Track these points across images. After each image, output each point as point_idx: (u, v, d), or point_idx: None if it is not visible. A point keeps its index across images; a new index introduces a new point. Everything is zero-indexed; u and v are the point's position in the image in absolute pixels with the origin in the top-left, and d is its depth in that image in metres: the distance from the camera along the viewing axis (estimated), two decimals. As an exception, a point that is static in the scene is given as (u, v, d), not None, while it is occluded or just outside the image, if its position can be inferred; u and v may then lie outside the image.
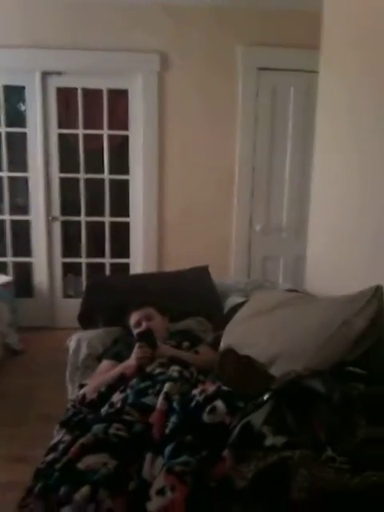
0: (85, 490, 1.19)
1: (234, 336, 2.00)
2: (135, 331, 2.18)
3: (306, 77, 3.55)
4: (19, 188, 4.25)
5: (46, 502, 1.23)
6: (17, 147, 4.10)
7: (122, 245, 4.29)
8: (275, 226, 4.12)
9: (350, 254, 2.21)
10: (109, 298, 2.58)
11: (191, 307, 2.55)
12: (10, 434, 2.52)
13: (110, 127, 4.10)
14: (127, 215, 4.21)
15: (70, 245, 4.30)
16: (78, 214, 4.21)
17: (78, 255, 4.29)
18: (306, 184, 3.60)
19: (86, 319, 2.56)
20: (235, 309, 2.30)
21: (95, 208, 4.23)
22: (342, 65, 2.36)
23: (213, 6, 3.77)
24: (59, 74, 3.96)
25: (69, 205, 4.22)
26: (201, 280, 2.78)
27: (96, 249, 4.32)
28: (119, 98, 4.07)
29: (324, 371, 1.41)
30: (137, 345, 1.92)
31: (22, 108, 4.08)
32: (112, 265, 4.33)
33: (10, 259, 4.25)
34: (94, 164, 4.17)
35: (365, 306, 1.64)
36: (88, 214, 4.23)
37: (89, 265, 4.32)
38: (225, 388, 1.55)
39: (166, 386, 1.60)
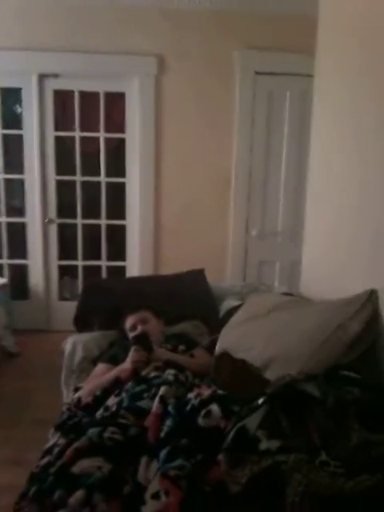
0: (79, 494, 1.19)
1: (229, 340, 2.01)
2: (131, 335, 2.18)
3: (303, 81, 3.56)
4: (15, 190, 4.25)
5: (40, 506, 1.23)
6: (13, 149, 4.10)
7: (118, 247, 4.29)
8: (271, 231, 4.13)
9: (348, 257, 2.21)
10: (105, 300, 2.58)
11: (187, 310, 2.55)
12: (4, 437, 2.51)
13: (107, 130, 4.10)
14: (123, 218, 4.21)
15: (66, 247, 4.30)
16: (75, 216, 4.20)
17: (75, 258, 4.29)
18: (301, 188, 3.60)
19: (82, 322, 2.55)
20: (231, 312, 2.30)
21: (91, 210, 4.23)
22: (339, 66, 2.36)
23: (210, 10, 3.78)
24: (56, 76, 3.96)
25: (65, 207, 4.22)
26: (197, 283, 2.78)
27: (92, 251, 4.32)
28: (116, 100, 4.07)
29: (318, 375, 1.41)
30: (132, 348, 1.92)
31: (19, 110, 4.08)
32: (108, 267, 4.32)
33: (5, 261, 4.24)
34: (91, 166, 4.17)
35: (360, 310, 1.65)
36: (84, 216, 4.22)
37: (85, 267, 4.32)
38: (220, 392, 1.56)
39: (162, 390, 1.60)
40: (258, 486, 1.12)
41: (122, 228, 4.24)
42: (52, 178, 4.11)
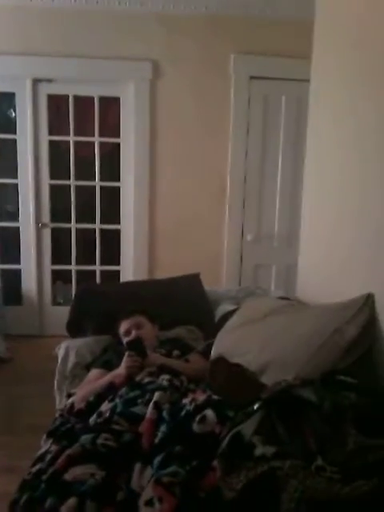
0: (71, 501, 1.17)
1: (225, 344, 1.99)
2: (125, 340, 2.16)
3: (298, 86, 3.56)
4: (9, 194, 4.23)
5: (31, 514, 1.21)
6: (6, 154, 4.08)
7: (112, 252, 4.27)
8: (267, 235, 4.13)
9: (345, 262, 2.20)
10: (98, 305, 2.56)
11: (182, 315, 2.53)
12: (-4, 444, 2.48)
13: (102, 134, 4.09)
14: (118, 222, 4.20)
15: (59, 252, 4.28)
16: (69, 220, 4.19)
17: (68, 262, 4.27)
18: (297, 192, 3.61)
19: (75, 327, 2.53)
20: (226, 317, 2.29)
21: (86, 215, 4.22)
22: (336, 67, 2.36)
23: (205, 15, 3.79)
24: (50, 81, 3.95)
25: (59, 212, 4.21)
26: (192, 288, 2.77)
27: (86, 256, 4.30)
28: (111, 105, 4.07)
29: (315, 380, 1.40)
30: (126, 353, 1.90)
31: (13, 114, 4.07)
32: (102, 272, 4.31)
33: (-2, 266, 4.22)
34: (85, 171, 4.16)
35: (356, 314, 1.64)
36: (78, 220, 4.21)
37: (79, 272, 4.30)
38: (215, 397, 1.54)
39: (156, 395, 1.59)
40: (253, 492, 1.11)
41: (117, 232, 4.22)
42: (46, 182, 4.09)
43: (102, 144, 4.12)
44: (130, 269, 4.18)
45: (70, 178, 4.12)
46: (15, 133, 4.02)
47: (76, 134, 4.08)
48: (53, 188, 4.13)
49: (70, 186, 4.13)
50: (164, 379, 1.74)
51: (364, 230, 2.05)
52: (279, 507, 1.05)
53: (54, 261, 4.25)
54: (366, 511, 1.04)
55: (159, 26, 3.81)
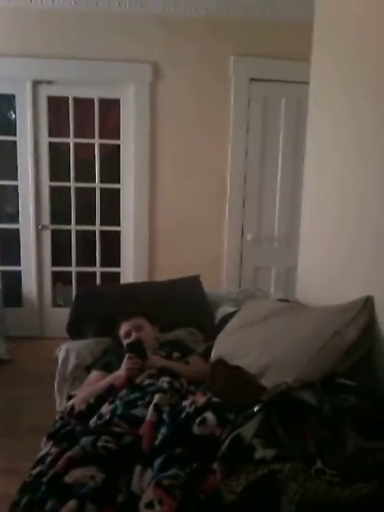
0: (72, 504, 1.17)
1: (224, 346, 1.99)
2: (125, 342, 2.16)
3: (298, 88, 3.56)
4: (9, 196, 4.23)
5: (32, 516, 1.21)
6: (6, 155, 4.08)
7: (112, 254, 4.28)
8: (267, 236, 4.13)
9: (345, 264, 2.20)
10: (98, 307, 2.56)
11: (182, 317, 2.53)
12: (-3, 446, 2.48)
13: (102, 136, 4.10)
14: (118, 224, 4.20)
15: (59, 253, 4.28)
16: (69, 222, 4.19)
17: (68, 264, 4.27)
18: (297, 194, 3.61)
19: (75, 329, 2.53)
20: (226, 319, 2.29)
21: (86, 217, 4.22)
22: (336, 69, 2.36)
23: (205, 18, 3.80)
24: (50, 82, 3.96)
25: (59, 213, 4.21)
26: (192, 290, 2.77)
27: (86, 257, 4.30)
28: (111, 107, 4.08)
29: (315, 383, 1.40)
30: (126, 355, 1.90)
31: (13, 116, 4.07)
32: (102, 274, 4.31)
33: (-2, 268, 4.22)
34: (85, 173, 4.16)
35: (356, 316, 1.65)
36: (78, 222, 4.21)
37: (79, 274, 4.30)
38: (215, 399, 1.54)
39: (156, 398, 1.59)
40: (253, 495, 1.11)
41: (117, 234, 4.22)
42: (46, 184, 4.10)
43: (102, 146, 4.12)
44: (130, 270, 4.18)
45: (70, 180, 4.13)
46: (15, 134, 4.02)
47: (76, 135, 4.08)
48: (53, 190, 4.14)
49: (70, 187, 4.14)
50: (164, 381, 1.74)
51: (364, 232, 2.05)
52: (279, 510, 1.05)
53: (54, 262, 4.25)
54: (365, 514, 1.04)
55: (159, 28, 3.81)
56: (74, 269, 4.28)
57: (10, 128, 4.05)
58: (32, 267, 4.17)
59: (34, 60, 3.83)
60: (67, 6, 3.75)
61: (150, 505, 1.16)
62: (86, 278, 4.28)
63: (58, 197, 4.18)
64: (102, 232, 4.24)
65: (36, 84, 3.93)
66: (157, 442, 1.40)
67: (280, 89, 3.93)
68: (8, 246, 4.23)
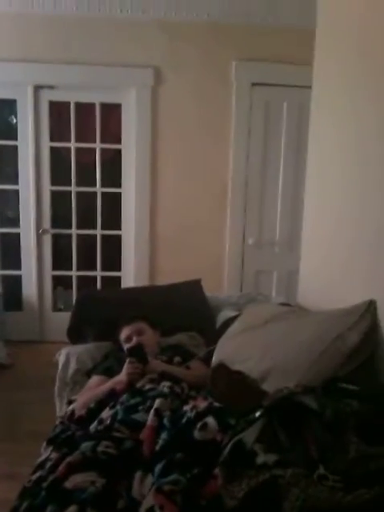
0: (72, 509, 1.16)
1: (226, 351, 1.98)
2: (126, 346, 2.15)
3: (300, 92, 3.58)
4: (10, 201, 4.24)
5: (31, 522, 1.20)
6: (8, 160, 4.09)
7: (113, 258, 4.27)
8: (268, 240, 4.13)
9: (346, 268, 2.20)
10: (99, 311, 2.55)
11: (183, 321, 2.53)
12: (-3, 451, 2.47)
13: (103, 141, 4.10)
14: (119, 228, 4.20)
15: (60, 258, 4.28)
16: (69, 226, 4.19)
17: (69, 268, 4.27)
18: (298, 198, 3.62)
19: (76, 333, 2.52)
20: (228, 323, 2.28)
21: (87, 221, 4.22)
22: (338, 72, 2.36)
23: (207, 22, 3.81)
24: (52, 87, 3.97)
25: (60, 218, 4.21)
26: (193, 294, 2.76)
27: (87, 262, 4.30)
28: (112, 111, 4.08)
29: (316, 387, 1.39)
30: (127, 360, 1.90)
31: (14, 121, 4.08)
32: (103, 278, 4.30)
33: (-1, 272, 4.22)
34: (86, 177, 4.17)
35: (358, 320, 1.64)
36: (79, 226, 4.21)
37: (79, 278, 4.30)
38: (216, 404, 1.53)
39: (157, 402, 1.58)
40: (255, 500, 1.10)
41: (118, 238, 4.22)
42: (47, 188, 4.10)
43: (103, 150, 4.13)
44: (130, 275, 4.17)
45: (71, 184, 4.13)
46: (16, 139, 4.03)
47: (77, 140, 4.08)
48: (54, 194, 4.14)
49: (71, 192, 4.14)
50: (165, 386, 1.73)
51: (364, 232, 2.05)
52: (281, 516, 1.04)
53: (55, 266, 4.24)
54: (368, 520, 1.03)
55: (161, 33, 3.82)
56: (74, 273, 4.27)
57: (12, 133, 4.06)
58: (32, 271, 4.17)
59: (36, 65, 3.84)
60: (69, 12, 3.77)
61: (150, 510, 1.15)
62: (86, 283, 4.28)
63: (59, 201, 4.18)
64: (102, 236, 4.23)
65: (37, 89, 3.94)
66: (157, 447, 1.39)
67: (282, 93, 3.93)
68: (9, 250, 4.23)
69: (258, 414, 1.27)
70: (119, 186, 4.14)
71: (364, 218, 2.06)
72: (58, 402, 2.23)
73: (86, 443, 1.41)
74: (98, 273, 4.29)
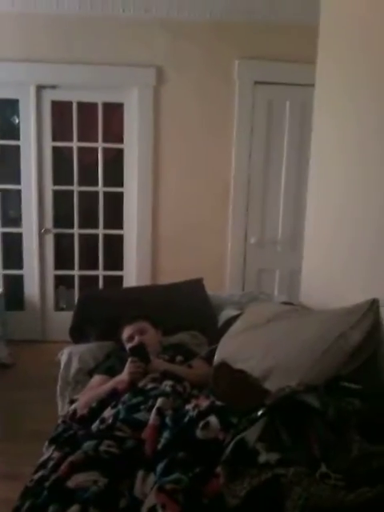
0: (74, 509, 1.16)
1: (228, 350, 1.98)
2: (128, 346, 2.15)
3: (303, 91, 3.57)
4: (12, 200, 4.24)
5: (33, 521, 1.20)
6: (10, 160, 4.10)
7: (115, 257, 4.28)
8: (270, 239, 4.12)
9: (348, 266, 2.20)
10: (101, 311, 2.55)
11: (185, 320, 2.52)
12: (-1, 450, 2.48)
13: (105, 140, 4.10)
14: (121, 228, 4.20)
15: (62, 257, 4.28)
16: (72, 226, 4.19)
17: (71, 268, 4.27)
18: (301, 197, 3.61)
19: (78, 333, 2.52)
20: (230, 322, 2.28)
21: (89, 220, 4.22)
22: (341, 71, 2.36)
23: (209, 21, 3.80)
24: (54, 87, 3.97)
25: (62, 217, 4.21)
26: (195, 293, 2.76)
27: (89, 261, 4.30)
28: (114, 111, 4.08)
29: (319, 386, 1.39)
30: (129, 359, 1.90)
31: (16, 121, 4.08)
32: (105, 277, 4.30)
33: (0, 271, 4.21)
34: (89, 177, 4.17)
35: (361, 319, 1.63)
36: (81, 226, 4.21)
37: (81, 277, 4.30)
38: (218, 403, 1.53)
39: (159, 401, 1.58)
40: (257, 499, 1.10)
41: (120, 238, 4.22)
42: (49, 188, 4.10)
43: (105, 150, 4.13)
44: (133, 274, 4.17)
45: (73, 184, 4.13)
46: (19, 139, 4.03)
47: (79, 139, 4.08)
48: (56, 194, 4.14)
49: (73, 191, 4.14)
50: (167, 385, 1.73)
51: (365, 235, 2.05)
52: (283, 515, 1.03)
53: (57, 266, 4.25)
54: (370, 519, 1.03)
55: (163, 32, 3.82)
56: (76, 272, 4.28)
57: (14, 132, 4.06)
58: (35, 271, 4.17)
59: (38, 65, 3.84)
60: (71, 11, 3.77)
61: (152, 509, 1.15)
62: (88, 282, 4.28)
63: (61, 201, 4.19)
64: (105, 236, 4.24)
65: (40, 88, 3.94)
66: (159, 446, 1.39)
67: (284, 91, 3.92)
68: (11, 249, 4.23)
69: (260, 412, 1.27)
70: (121, 185, 4.14)
71: (365, 217, 2.06)
72: (59, 402, 2.23)
73: (88, 442, 1.41)
74: (100, 272, 4.29)
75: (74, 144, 4.08)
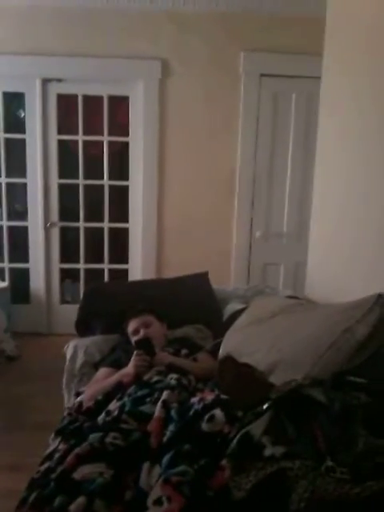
0: (80, 500, 1.17)
1: (233, 343, 1.98)
2: (133, 339, 2.15)
3: (309, 83, 3.55)
4: (18, 194, 4.25)
5: (40, 512, 1.21)
6: (15, 153, 4.10)
7: (120, 251, 4.28)
8: (276, 232, 4.11)
9: (352, 260, 2.20)
10: (107, 304, 2.56)
11: (190, 314, 2.52)
12: (4, 442, 2.49)
13: (111, 133, 4.10)
14: (126, 221, 4.20)
15: (68, 250, 4.29)
16: (77, 219, 4.20)
17: (77, 261, 4.28)
18: (306, 190, 3.60)
19: (84, 326, 2.53)
20: (235, 316, 2.28)
21: (94, 214, 4.22)
22: (346, 67, 2.35)
23: (215, 13, 3.78)
24: (59, 80, 3.96)
25: (68, 210, 4.22)
26: (200, 286, 2.76)
27: (94, 254, 4.31)
28: (120, 104, 4.07)
29: (324, 380, 1.39)
30: (135, 352, 1.90)
31: (22, 114, 4.08)
32: (110, 271, 4.31)
33: (6, 265, 4.23)
34: (94, 170, 4.17)
35: (367, 313, 1.63)
36: (87, 219, 4.22)
37: (87, 270, 4.31)
38: (224, 396, 1.53)
39: (164, 394, 1.58)
40: (262, 492, 1.10)
41: (125, 231, 4.23)
42: (55, 181, 4.11)
43: (110, 143, 4.12)
44: (138, 267, 4.18)
45: (78, 177, 4.13)
46: (24, 132, 4.04)
47: (85, 133, 4.08)
48: (62, 187, 4.15)
49: (78, 185, 4.14)
50: (172, 378, 1.73)
51: (369, 228, 2.05)
52: (288, 507, 1.04)
53: (63, 259, 4.26)
54: (376, 512, 1.03)
55: (169, 24, 3.80)
56: (82, 266, 4.29)
57: (20, 126, 4.06)
58: (40, 264, 4.18)
59: (44, 58, 3.84)
60: (77, 4, 3.75)
61: (158, 501, 1.15)
62: (94, 275, 4.29)
63: (67, 194, 4.19)
64: (110, 229, 4.24)
65: (45, 82, 3.94)
66: (165, 439, 1.39)
67: (290, 84, 3.91)
68: (17, 243, 4.25)
69: (265, 406, 1.27)
70: (127, 178, 4.14)
71: (368, 210, 2.06)
72: (65, 394, 2.24)
73: (94, 434, 1.41)
74: (106, 265, 4.29)
75: (80, 137, 4.08)
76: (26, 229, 4.17)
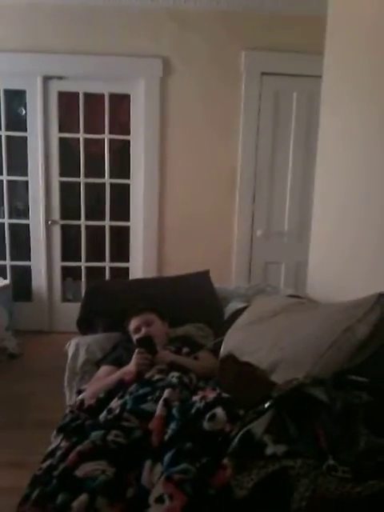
0: (83, 498, 1.17)
1: (234, 342, 1.98)
2: (135, 337, 2.16)
3: (310, 82, 3.55)
4: (19, 192, 4.25)
5: (42, 509, 1.21)
6: (17, 151, 4.10)
7: (121, 249, 4.28)
8: (277, 231, 4.11)
9: (353, 259, 2.20)
10: (108, 302, 2.56)
11: (192, 312, 2.53)
12: (6, 439, 2.50)
13: (112, 132, 4.10)
14: (128, 219, 4.20)
15: (69, 249, 4.29)
16: (78, 217, 4.20)
17: (78, 259, 4.28)
18: (307, 189, 3.60)
19: (85, 324, 2.54)
20: (236, 314, 2.28)
21: (95, 212, 4.23)
22: (347, 66, 2.35)
23: (216, 11, 3.78)
24: (61, 78, 3.96)
25: (69, 209, 4.22)
26: (201, 285, 2.76)
27: (96, 253, 4.31)
28: (121, 102, 4.07)
29: (326, 379, 1.39)
30: (136, 351, 1.91)
31: (23, 112, 4.08)
32: (112, 269, 4.31)
33: (8, 263, 4.24)
34: (95, 168, 4.17)
35: (368, 312, 1.63)
36: (88, 217, 4.22)
37: (88, 269, 4.31)
38: (225, 395, 1.54)
39: (166, 393, 1.58)
40: (264, 490, 1.11)
41: (126, 229, 4.23)
42: (56, 179, 4.11)
43: (112, 141, 4.12)
44: (139, 265, 4.18)
45: (79, 176, 4.13)
46: (25, 130, 4.04)
47: (86, 131, 4.08)
48: (63, 185, 4.15)
49: (79, 183, 4.14)
50: (174, 376, 1.74)
51: (369, 230, 2.05)
52: (290, 506, 1.04)
53: (64, 257, 4.26)
54: (377, 511, 1.03)
55: (170, 22, 3.80)
56: (83, 264, 4.29)
57: (21, 124, 4.06)
58: (42, 262, 4.19)
59: (45, 55, 3.83)
60: (78, 1, 3.75)
61: (159, 499, 1.16)
62: (95, 273, 4.29)
63: (68, 192, 4.19)
64: (111, 227, 4.24)
65: (46, 79, 3.94)
66: (166, 437, 1.40)
67: (291, 82, 3.90)
68: (18, 241, 4.25)
69: (267, 405, 1.27)
70: (128, 177, 4.14)
71: (370, 209, 2.06)
72: (67, 392, 2.25)
73: (96, 432, 1.42)
74: (107, 264, 4.30)
75: (81, 135, 4.08)
76: (27, 227, 4.17)
